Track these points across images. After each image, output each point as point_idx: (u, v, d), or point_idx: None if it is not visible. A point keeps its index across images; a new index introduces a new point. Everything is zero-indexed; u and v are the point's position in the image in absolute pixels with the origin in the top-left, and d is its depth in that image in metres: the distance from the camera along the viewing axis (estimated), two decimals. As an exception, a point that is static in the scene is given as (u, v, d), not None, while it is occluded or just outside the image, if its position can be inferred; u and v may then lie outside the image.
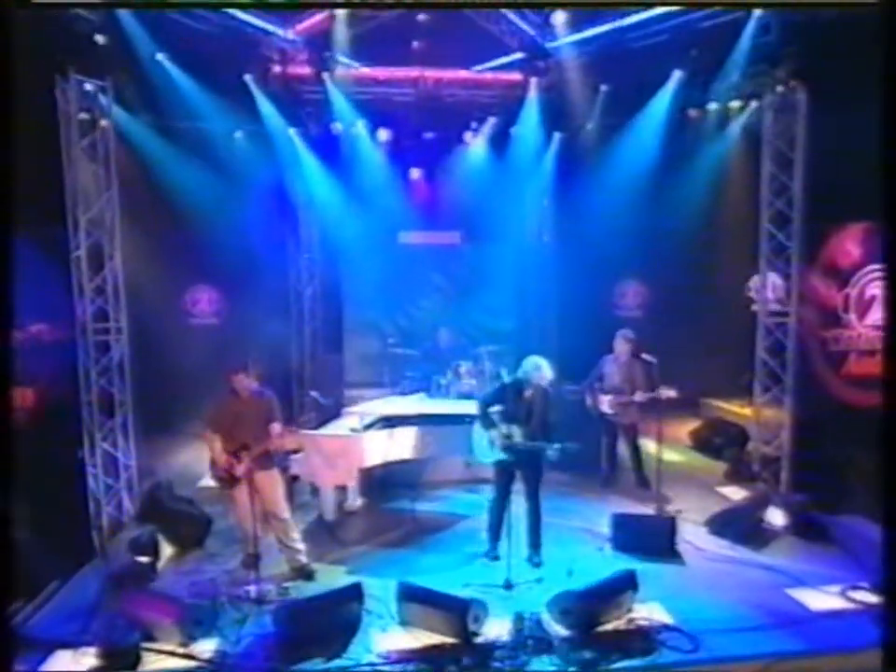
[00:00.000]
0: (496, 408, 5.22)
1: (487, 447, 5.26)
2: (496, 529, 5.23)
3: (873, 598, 4.56)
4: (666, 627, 4.28)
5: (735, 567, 5.21)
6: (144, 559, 5.11)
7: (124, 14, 6.17)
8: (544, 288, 9.73)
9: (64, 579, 5.24)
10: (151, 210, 7.91)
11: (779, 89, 6.75)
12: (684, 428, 8.50)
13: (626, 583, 4.40)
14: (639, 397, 6.49)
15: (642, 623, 4.30)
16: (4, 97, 3.62)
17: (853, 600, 4.66)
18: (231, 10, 6.77)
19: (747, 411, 7.83)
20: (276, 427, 4.99)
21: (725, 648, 4.10)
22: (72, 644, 4.23)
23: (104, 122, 6.28)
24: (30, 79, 5.42)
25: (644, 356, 6.33)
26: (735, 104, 7.95)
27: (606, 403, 6.73)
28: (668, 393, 6.27)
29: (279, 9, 7.29)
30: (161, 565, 5.27)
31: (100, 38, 5.94)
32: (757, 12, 6.38)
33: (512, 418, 5.11)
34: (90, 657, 4.06)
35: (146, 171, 7.58)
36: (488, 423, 5.19)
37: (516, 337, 9.48)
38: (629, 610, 4.37)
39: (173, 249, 8.47)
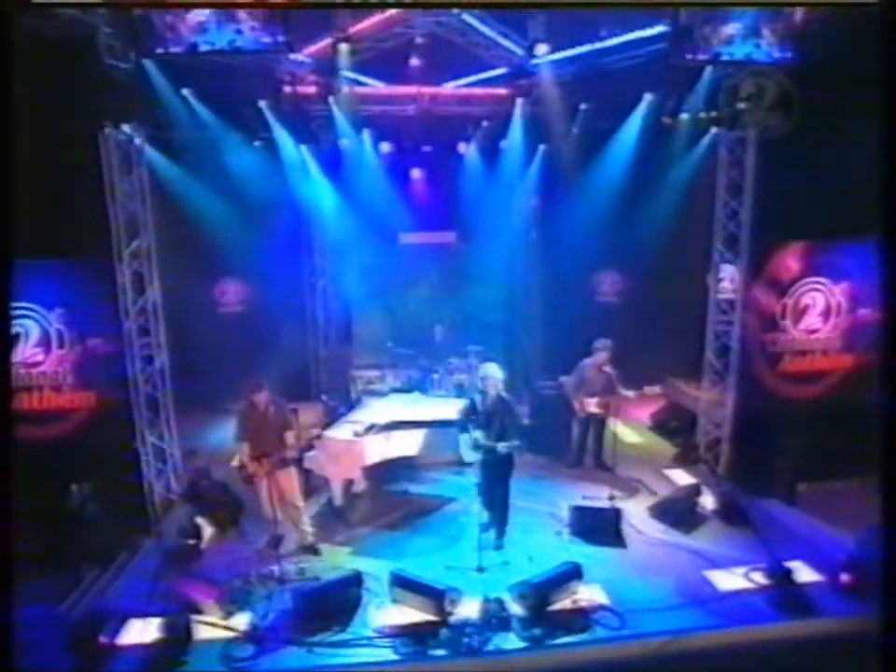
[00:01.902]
0: (473, 418, 5.84)
1: (468, 449, 5.99)
2: (490, 512, 6.04)
3: (765, 580, 5.26)
4: (602, 607, 5.02)
5: (667, 549, 5.94)
6: (190, 541, 5.94)
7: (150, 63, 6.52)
8: (531, 280, 10.21)
9: (131, 550, 6.07)
10: (183, 220, 8.40)
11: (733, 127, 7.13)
12: (647, 410, 9.13)
13: (573, 574, 5.15)
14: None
15: (583, 603, 5.04)
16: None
17: (752, 580, 5.34)
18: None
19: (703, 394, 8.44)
20: (290, 438, 5.72)
21: (646, 625, 4.82)
22: (141, 614, 4.98)
23: (139, 162, 6.75)
24: (77, 129, 5.91)
25: (604, 367, 6.94)
26: (703, 115, 8.20)
27: (593, 404, 7.24)
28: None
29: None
30: (203, 545, 6.08)
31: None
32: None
33: (480, 425, 5.76)
34: (153, 626, 4.82)
35: (178, 193, 8.08)
36: (463, 429, 5.88)
37: (504, 328, 10.06)
38: (574, 593, 5.11)
39: (204, 251, 9.03)
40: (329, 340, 10.18)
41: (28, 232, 5.58)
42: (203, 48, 4.93)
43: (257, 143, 8.62)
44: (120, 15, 4.94)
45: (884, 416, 3.96)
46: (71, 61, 5.61)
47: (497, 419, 5.69)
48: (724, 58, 5.50)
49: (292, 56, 7.89)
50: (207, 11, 4.65)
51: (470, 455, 5.97)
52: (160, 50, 5.02)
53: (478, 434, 5.72)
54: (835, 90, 5.97)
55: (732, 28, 5.28)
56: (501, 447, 5.60)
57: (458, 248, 10.18)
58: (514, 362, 9.57)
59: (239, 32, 4.85)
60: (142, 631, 4.87)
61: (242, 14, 4.74)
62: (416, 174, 9.73)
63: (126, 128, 6.51)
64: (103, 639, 4.71)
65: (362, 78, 8.44)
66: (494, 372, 5.78)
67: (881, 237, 4.10)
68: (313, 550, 5.94)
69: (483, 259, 9.84)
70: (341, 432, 6.49)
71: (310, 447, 6.50)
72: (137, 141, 6.70)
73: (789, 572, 5.18)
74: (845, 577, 5.20)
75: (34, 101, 5.36)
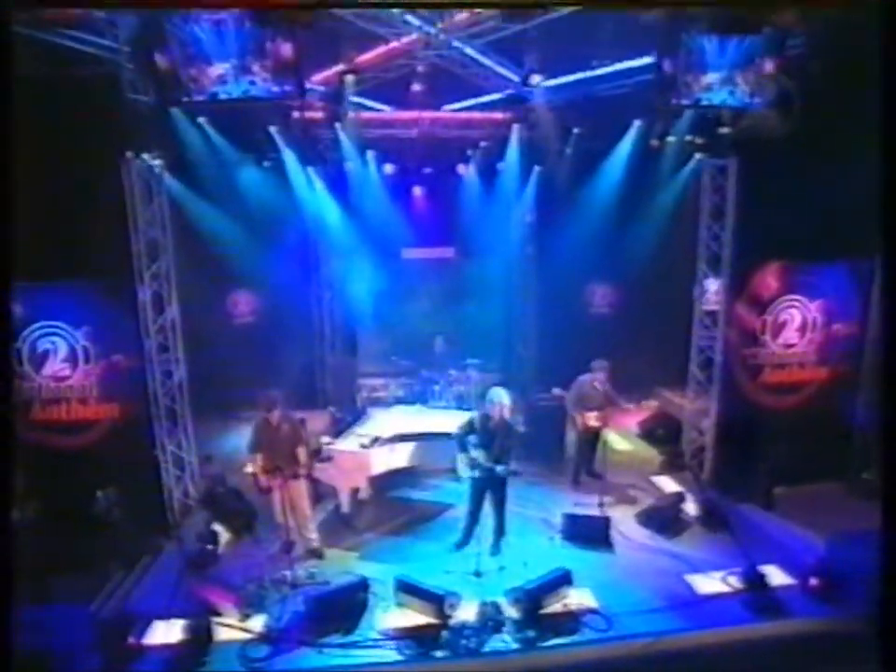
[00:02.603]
0: (472, 436, 5.94)
1: (465, 467, 6.08)
2: (468, 529, 6.11)
3: (741, 584, 5.48)
4: (590, 610, 5.24)
5: (652, 554, 6.15)
6: (208, 547, 6.18)
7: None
8: (527, 293, 10.45)
9: (153, 553, 6.31)
10: (199, 238, 8.62)
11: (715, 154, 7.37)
12: (635, 418, 9.33)
13: (564, 579, 5.38)
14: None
15: (573, 607, 5.25)
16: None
17: (729, 584, 5.55)
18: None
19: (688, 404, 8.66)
20: (302, 455, 5.95)
21: (631, 627, 5.02)
22: (164, 616, 5.20)
23: (159, 190, 6.98)
24: (102, 161, 6.14)
25: (596, 384, 7.19)
26: (688, 138, 8.39)
27: (593, 418, 7.40)
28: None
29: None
30: (220, 550, 6.31)
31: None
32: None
33: (480, 444, 5.86)
34: (177, 628, 5.03)
35: (193, 214, 8.31)
36: (462, 447, 5.96)
37: (501, 340, 10.29)
38: (565, 597, 5.33)
39: (217, 266, 9.22)
40: (335, 349, 10.43)
41: (56, 257, 5.92)
42: (223, 96, 5.18)
43: (266, 163, 8.85)
44: (149, 69, 5.19)
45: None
46: (97, 98, 5.87)
47: (498, 441, 5.80)
48: (704, 103, 5.77)
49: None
50: (227, 65, 4.91)
51: (466, 473, 6.04)
52: (185, 99, 5.27)
53: (476, 453, 5.83)
54: (809, 124, 6.20)
55: (710, 77, 5.56)
56: (499, 470, 5.75)
57: (458, 263, 10.44)
58: (511, 373, 9.80)
59: (253, 83, 5.10)
60: (166, 632, 5.08)
61: (256, 67, 4.99)
62: (418, 193, 9.99)
63: (146, 156, 6.72)
64: (131, 640, 4.95)
65: (367, 102, 8.67)
66: (502, 398, 5.83)
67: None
68: (317, 554, 6.18)
69: (481, 273, 10.10)
70: (348, 444, 6.72)
71: (320, 460, 6.70)
72: (157, 169, 6.91)
73: (763, 576, 5.40)
74: (814, 581, 5.44)
75: (64, 138, 5.64)
